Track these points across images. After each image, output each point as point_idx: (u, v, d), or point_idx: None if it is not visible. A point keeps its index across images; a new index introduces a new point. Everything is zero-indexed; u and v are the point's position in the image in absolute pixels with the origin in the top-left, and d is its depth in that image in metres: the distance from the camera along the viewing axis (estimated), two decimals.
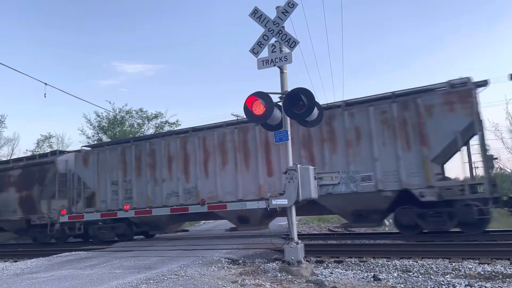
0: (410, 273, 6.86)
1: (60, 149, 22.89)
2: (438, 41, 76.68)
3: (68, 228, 15.49)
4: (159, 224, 15.15)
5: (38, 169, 16.84)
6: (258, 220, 12.83)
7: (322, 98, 54.80)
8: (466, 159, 10.78)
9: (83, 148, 16.69)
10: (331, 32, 75.20)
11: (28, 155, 24.89)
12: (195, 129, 13.75)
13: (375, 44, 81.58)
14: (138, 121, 30.93)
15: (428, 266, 7.34)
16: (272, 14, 7.38)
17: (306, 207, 12.35)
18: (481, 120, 10.24)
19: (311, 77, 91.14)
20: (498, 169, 17.26)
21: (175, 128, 13.99)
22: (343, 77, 69.93)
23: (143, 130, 30.40)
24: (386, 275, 6.62)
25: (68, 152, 17.62)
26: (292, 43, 7.17)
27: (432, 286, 5.78)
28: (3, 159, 31.50)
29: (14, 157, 29.69)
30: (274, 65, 7.27)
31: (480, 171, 10.63)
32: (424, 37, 77.79)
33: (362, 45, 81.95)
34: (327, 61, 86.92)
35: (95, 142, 28.43)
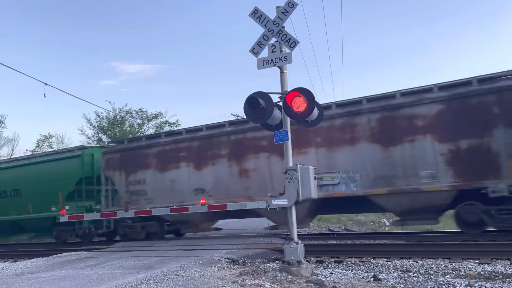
0: (410, 273, 6.86)
1: None
2: (437, 38, 76.74)
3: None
4: None
5: None
6: None
7: (321, 94, 54.98)
8: None
9: None
10: (330, 28, 75.15)
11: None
12: None
13: (375, 40, 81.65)
14: (138, 121, 31.00)
15: (428, 266, 7.33)
16: (272, 14, 7.39)
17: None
18: None
19: (310, 73, 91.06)
20: None
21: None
22: (343, 73, 69.86)
23: (143, 130, 30.44)
24: (386, 275, 6.62)
25: None
26: (292, 43, 7.16)
27: (432, 286, 5.79)
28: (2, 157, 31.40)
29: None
30: (274, 65, 7.27)
31: None
32: (424, 34, 77.86)
33: (362, 40, 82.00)
34: (326, 57, 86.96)
35: (95, 142, 28.34)
